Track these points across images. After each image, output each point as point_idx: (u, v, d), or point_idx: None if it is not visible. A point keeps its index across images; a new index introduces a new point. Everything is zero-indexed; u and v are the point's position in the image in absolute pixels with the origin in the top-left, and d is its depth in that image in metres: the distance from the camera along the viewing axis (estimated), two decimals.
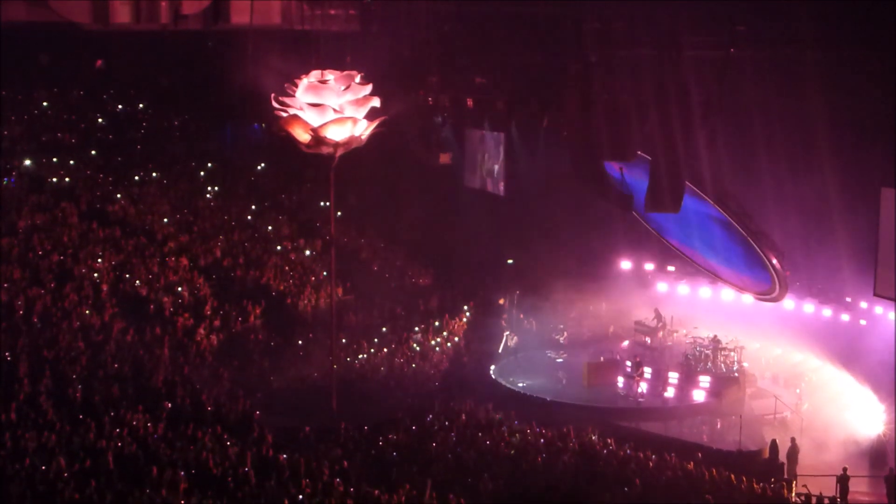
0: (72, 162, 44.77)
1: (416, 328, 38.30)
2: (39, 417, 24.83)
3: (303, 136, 29.32)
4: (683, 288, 41.27)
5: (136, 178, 45.26)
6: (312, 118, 29.01)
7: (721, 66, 30.34)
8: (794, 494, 26.11)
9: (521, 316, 40.75)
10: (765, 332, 37.35)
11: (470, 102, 42.13)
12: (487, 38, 38.36)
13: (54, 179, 43.04)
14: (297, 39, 37.51)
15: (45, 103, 47.48)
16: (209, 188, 46.70)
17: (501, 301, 42.07)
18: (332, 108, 28.88)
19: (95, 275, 35.62)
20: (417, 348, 36.89)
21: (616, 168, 34.12)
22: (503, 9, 37.47)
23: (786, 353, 36.93)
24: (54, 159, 44.47)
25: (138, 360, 30.42)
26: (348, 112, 29.14)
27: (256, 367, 33.91)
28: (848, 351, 35.45)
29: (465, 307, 41.02)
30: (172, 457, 23.31)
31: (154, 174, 45.88)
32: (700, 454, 27.62)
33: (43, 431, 23.80)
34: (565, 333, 39.16)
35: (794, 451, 28.84)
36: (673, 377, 34.64)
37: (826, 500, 25.22)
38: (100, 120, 48.78)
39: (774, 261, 35.54)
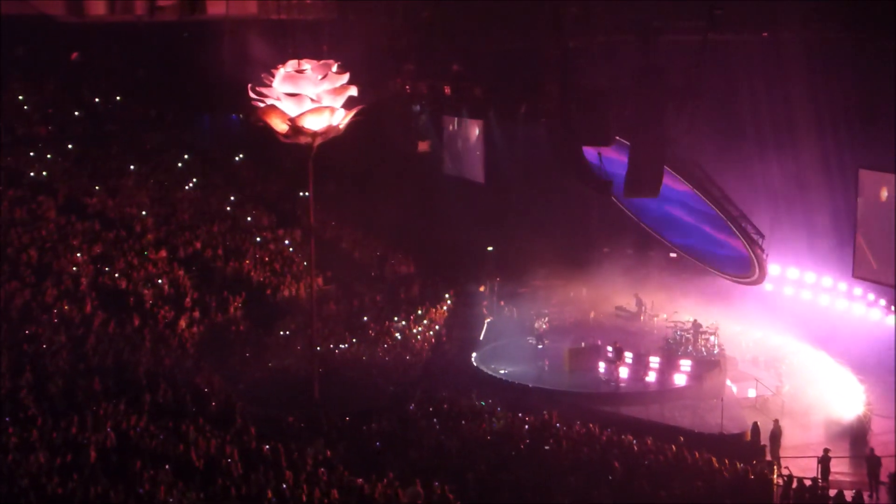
0: (49, 155, 44.41)
1: (397, 317, 38.25)
2: (21, 412, 24.70)
3: (280, 126, 29.22)
4: (663, 272, 41.35)
5: (114, 170, 44.94)
6: (290, 108, 28.90)
7: (699, 50, 30.36)
8: (776, 476, 26.21)
9: (502, 303, 40.78)
10: (745, 314, 37.48)
11: (447, 90, 42.13)
12: (464, 24, 38.30)
13: (31, 173, 42.68)
14: (273, 29, 37.37)
15: (20, 96, 47.06)
16: (187, 179, 46.46)
17: (482, 288, 42.07)
18: (310, 98, 28.79)
19: (74, 268, 35.38)
20: (399, 337, 36.82)
21: (595, 153, 34.13)
22: None
23: (766, 336, 37.03)
24: (31, 153, 44.08)
25: (119, 353, 30.26)
26: (326, 101, 29.05)
27: (238, 358, 33.79)
28: (827, 332, 35.68)
29: (447, 295, 40.97)
30: (155, 450, 23.24)
31: (132, 166, 45.55)
32: (682, 438, 27.71)
33: (24, 426, 23.69)
34: (546, 320, 39.13)
35: (775, 433, 28.99)
36: (654, 361, 34.72)
37: (807, 481, 25.33)
38: (76, 112, 48.39)
39: (754, 244, 35.72)
